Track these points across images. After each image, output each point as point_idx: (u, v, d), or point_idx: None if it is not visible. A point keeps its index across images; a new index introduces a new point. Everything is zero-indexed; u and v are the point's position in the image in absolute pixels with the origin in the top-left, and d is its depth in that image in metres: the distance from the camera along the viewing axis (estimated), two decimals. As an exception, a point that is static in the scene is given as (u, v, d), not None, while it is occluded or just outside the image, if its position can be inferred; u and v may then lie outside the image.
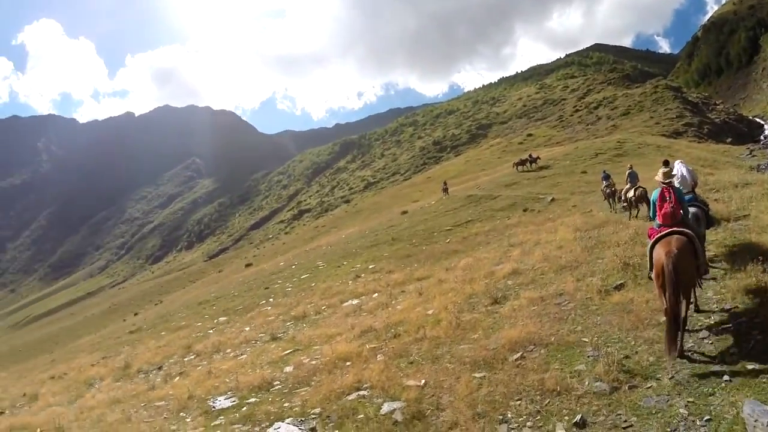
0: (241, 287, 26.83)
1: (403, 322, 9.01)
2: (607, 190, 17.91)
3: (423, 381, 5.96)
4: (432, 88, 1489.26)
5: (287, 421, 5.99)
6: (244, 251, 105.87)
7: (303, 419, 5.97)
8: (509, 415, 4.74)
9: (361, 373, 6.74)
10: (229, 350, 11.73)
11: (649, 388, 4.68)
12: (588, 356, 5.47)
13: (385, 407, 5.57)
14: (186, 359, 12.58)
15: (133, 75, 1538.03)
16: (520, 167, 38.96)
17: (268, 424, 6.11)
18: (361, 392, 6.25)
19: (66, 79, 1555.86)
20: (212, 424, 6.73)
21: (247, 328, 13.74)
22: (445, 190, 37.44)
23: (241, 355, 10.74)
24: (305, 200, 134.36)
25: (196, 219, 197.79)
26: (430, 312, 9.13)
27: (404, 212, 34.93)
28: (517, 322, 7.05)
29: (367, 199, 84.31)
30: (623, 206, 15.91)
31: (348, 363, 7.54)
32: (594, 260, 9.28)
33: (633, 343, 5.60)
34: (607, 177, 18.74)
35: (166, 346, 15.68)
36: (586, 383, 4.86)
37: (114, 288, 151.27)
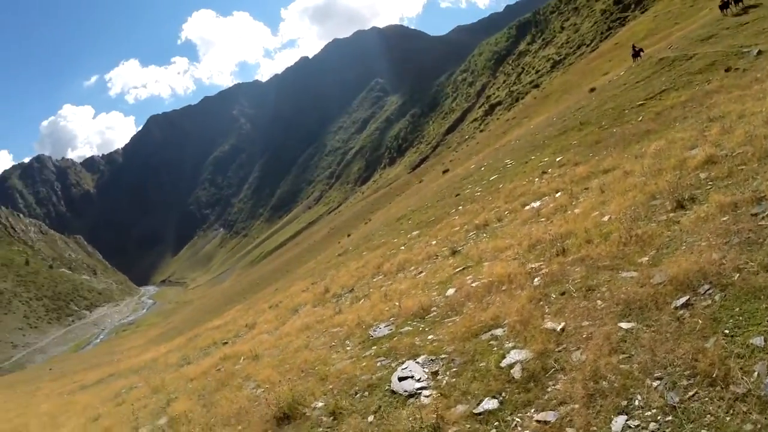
0: (435, 197, 27.55)
1: (573, 233, 7.79)
2: None
3: (563, 324, 5.00)
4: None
5: (420, 359, 5.85)
6: (443, 157, 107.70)
7: (434, 358, 5.75)
8: (635, 403, 3.53)
9: (504, 306, 6.09)
10: (412, 268, 11.93)
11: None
12: (774, 321, 3.73)
13: (509, 357, 4.91)
14: (374, 280, 13.22)
15: (293, 24, 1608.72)
16: (725, 10, 29.41)
17: (403, 360, 6.04)
18: (496, 331, 5.66)
19: (237, 51, 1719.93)
20: (362, 356, 6.94)
21: (434, 242, 13.83)
22: (636, 54, 30.56)
23: (420, 273, 10.82)
24: (494, 93, 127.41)
25: (393, 135, 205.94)
26: (605, 218, 7.73)
27: (592, 89, 30.56)
28: (698, 241, 5.34)
29: (555, 81, 75.68)
30: None
31: (503, 287, 6.91)
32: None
33: None
34: None
35: (362, 267, 16.80)
36: (755, 374, 3.27)
37: (331, 214, 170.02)
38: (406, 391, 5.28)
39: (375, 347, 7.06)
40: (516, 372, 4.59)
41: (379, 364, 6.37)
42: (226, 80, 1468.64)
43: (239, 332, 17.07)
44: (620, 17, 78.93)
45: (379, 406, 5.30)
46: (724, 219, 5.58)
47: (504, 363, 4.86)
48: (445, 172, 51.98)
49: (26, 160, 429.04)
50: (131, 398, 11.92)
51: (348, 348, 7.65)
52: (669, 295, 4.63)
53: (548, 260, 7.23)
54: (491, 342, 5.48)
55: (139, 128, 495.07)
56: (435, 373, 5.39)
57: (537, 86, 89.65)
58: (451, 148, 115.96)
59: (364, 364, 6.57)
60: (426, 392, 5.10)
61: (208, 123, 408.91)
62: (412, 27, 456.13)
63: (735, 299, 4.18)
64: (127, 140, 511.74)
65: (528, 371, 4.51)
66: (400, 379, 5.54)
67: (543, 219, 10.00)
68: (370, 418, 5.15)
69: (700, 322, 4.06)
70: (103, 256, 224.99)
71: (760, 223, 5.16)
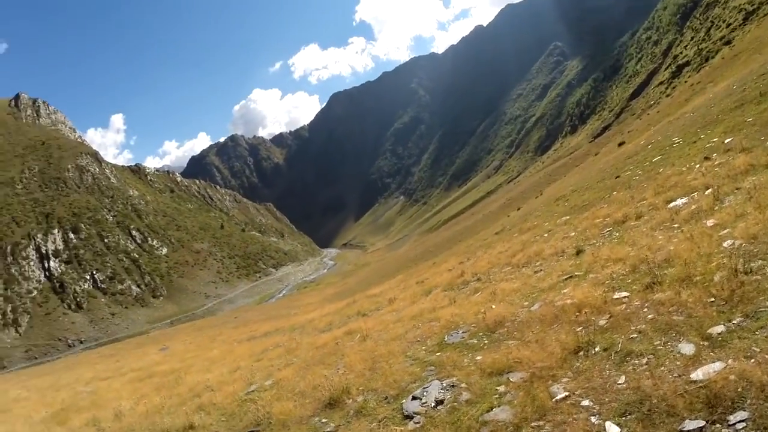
0: (597, 176, 24.81)
1: (681, 257, 6.04)
2: None
3: (565, 394, 4.08)
4: None
5: (446, 381, 5.54)
6: (625, 125, 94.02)
7: (454, 385, 5.35)
8: None
9: (543, 347, 5.25)
10: (537, 263, 10.77)
11: None
12: None
13: (494, 412, 4.27)
14: (502, 271, 12.16)
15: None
16: None
17: (439, 377, 5.76)
18: (514, 376, 4.97)
19: (410, 26, 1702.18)
20: (423, 360, 6.73)
21: (572, 234, 12.28)
22: None
23: (538, 272, 9.71)
24: (681, 52, 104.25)
25: (574, 102, 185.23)
26: (725, 244, 5.82)
27: (787, 51, 23.07)
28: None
29: (747, 36, 58.76)
30: None
31: (571, 317, 5.86)
32: None
33: None
34: None
35: (504, 252, 15.56)
36: None
37: (510, 183, 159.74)
38: (407, 411, 5.15)
39: (438, 354, 6.75)
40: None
41: (424, 373, 6.13)
42: (402, 55, 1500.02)
43: (380, 305, 16.82)
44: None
45: (384, 417, 5.23)
46: None
47: (485, 417, 4.30)
48: (620, 144, 45.52)
49: (222, 139, 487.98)
50: (269, 356, 12.58)
51: (423, 348, 7.39)
52: (689, 406, 3.20)
53: (635, 292, 5.84)
54: (499, 387, 4.85)
55: (323, 105, 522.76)
56: (440, 402, 5.05)
57: (728, 43, 71.58)
58: (635, 115, 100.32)
59: (416, 369, 6.37)
60: (416, 419, 4.90)
61: (387, 97, 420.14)
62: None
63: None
64: (311, 117, 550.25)
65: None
66: (413, 398, 5.37)
67: (675, 226, 7.86)
68: (373, 425, 5.14)
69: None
70: (290, 221, 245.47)
71: None
